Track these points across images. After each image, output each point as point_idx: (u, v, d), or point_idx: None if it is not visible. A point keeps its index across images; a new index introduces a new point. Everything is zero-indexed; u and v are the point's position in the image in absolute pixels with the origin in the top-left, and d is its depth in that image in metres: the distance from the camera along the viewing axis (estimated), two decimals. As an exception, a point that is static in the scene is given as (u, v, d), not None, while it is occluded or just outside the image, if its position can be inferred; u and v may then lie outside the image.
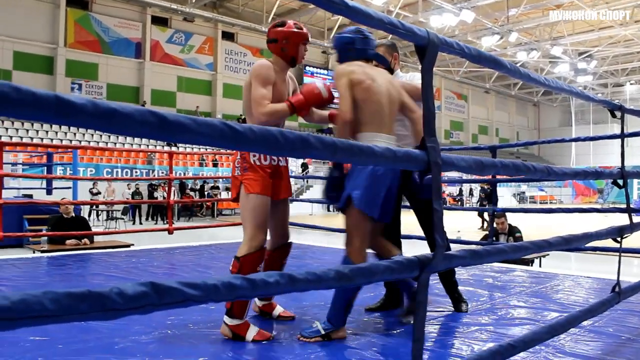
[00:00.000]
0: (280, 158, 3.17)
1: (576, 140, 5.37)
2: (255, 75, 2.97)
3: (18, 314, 0.78)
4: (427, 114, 1.51)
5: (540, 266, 6.81)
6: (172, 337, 2.87)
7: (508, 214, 7.11)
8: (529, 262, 6.72)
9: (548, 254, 6.77)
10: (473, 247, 5.21)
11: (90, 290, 0.84)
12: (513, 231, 7.30)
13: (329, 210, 26.91)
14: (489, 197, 18.03)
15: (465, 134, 47.52)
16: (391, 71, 3.46)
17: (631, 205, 3.08)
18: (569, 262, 8.90)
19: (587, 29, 32.09)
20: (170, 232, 6.80)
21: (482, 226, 16.02)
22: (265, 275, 1.07)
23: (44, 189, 12.43)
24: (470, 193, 35.79)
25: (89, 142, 24.05)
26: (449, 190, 34.92)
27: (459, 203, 33.71)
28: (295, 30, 3.10)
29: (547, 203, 39.61)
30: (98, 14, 27.25)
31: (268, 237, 3.11)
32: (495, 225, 6.69)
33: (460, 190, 34.82)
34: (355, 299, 2.91)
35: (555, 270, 5.38)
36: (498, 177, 5.99)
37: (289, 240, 3.34)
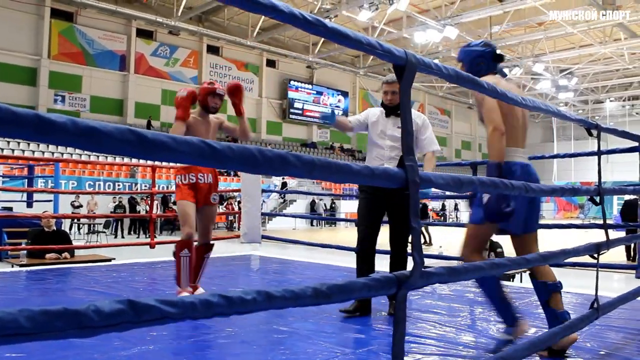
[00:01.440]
0: (200, 177, 4.09)
1: (556, 157, 5.44)
2: None
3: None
4: (404, 133, 1.53)
5: (521, 281, 6.87)
6: (152, 352, 2.85)
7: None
8: (510, 277, 6.77)
9: (527, 270, 6.82)
10: (453, 263, 5.25)
11: (66, 308, 0.84)
12: (494, 246, 7.34)
13: (312, 224, 26.93)
14: (423, 212, 18.19)
15: (449, 150, 47.87)
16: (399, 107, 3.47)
17: (611, 221, 3.12)
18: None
19: (568, 47, 32.60)
20: (152, 246, 6.76)
21: (425, 241, 15.95)
22: (242, 293, 1.08)
23: (24, 201, 12.29)
24: (455, 208, 36.03)
25: (72, 154, 23.84)
26: (432, 205, 35.11)
27: (442, 218, 33.89)
28: (206, 86, 4.20)
29: (529, 218, 39.83)
30: (83, 25, 27.15)
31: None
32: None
33: (443, 205, 35.01)
34: (502, 291, 2.88)
35: (536, 286, 5.41)
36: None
37: (210, 242, 4.33)
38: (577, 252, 2.55)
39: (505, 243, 6.85)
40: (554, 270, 2.93)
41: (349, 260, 7.25)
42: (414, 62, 1.55)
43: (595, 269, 2.99)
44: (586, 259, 3.27)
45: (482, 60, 2.97)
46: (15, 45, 25.05)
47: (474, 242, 2.91)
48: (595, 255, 2.87)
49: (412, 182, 1.48)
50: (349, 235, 21.19)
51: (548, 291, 2.79)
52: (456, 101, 46.46)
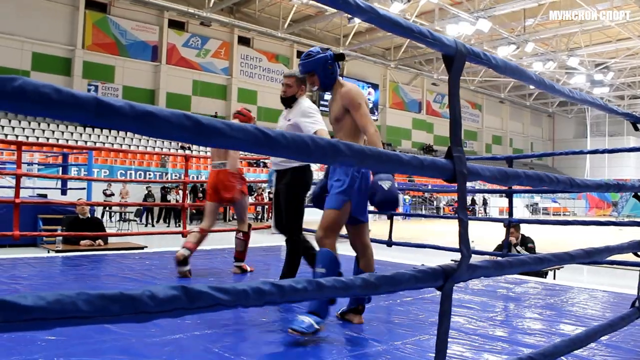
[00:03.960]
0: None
1: (594, 152, 5.32)
2: None
3: (53, 314, 0.79)
4: (453, 123, 1.50)
5: (554, 278, 6.75)
6: (186, 340, 2.87)
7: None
8: (543, 274, 6.66)
9: (563, 267, 6.72)
10: (486, 258, 5.18)
11: (122, 292, 0.84)
12: (526, 241, 7.24)
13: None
14: None
15: (479, 144, 47.36)
16: (294, 99, 4.00)
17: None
18: (582, 275, 8.82)
19: (604, 40, 31.91)
20: (184, 235, 6.82)
21: None
22: (293, 282, 1.07)
23: (58, 189, 12.52)
24: (484, 202, 35.65)
25: (104, 143, 24.22)
26: (446, 199, 34.79)
27: (472, 213, 33.52)
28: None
29: (560, 215, 39.33)
30: (116, 16, 27.49)
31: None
32: (509, 235, 6.64)
33: (473, 200, 34.66)
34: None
35: (570, 283, 5.33)
36: (513, 187, 5.95)
37: None
38: (621, 249, 2.49)
39: (537, 237, 6.75)
40: (587, 268, 2.87)
41: (378, 253, 7.24)
42: (463, 52, 1.51)
43: (638, 267, 2.92)
44: (625, 257, 3.19)
45: (331, 62, 3.25)
46: (51, 36, 25.49)
47: (333, 226, 3.14)
48: (639, 253, 2.80)
49: (459, 174, 1.45)
50: (377, 228, 21.16)
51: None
52: (487, 95, 45.86)
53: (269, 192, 22.27)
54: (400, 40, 33.52)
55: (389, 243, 5.99)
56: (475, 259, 1.58)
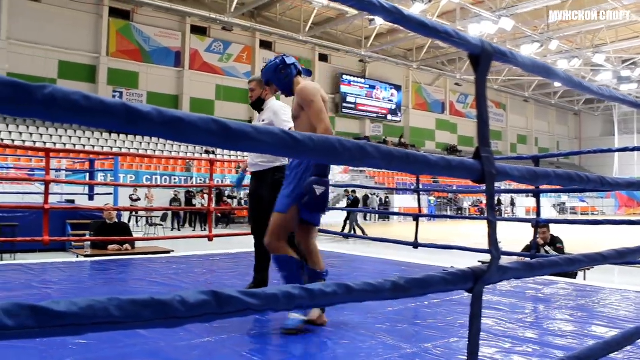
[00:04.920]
0: None
1: (624, 150, 5.22)
2: None
3: (86, 320, 0.79)
4: (481, 123, 1.48)
5: (584, 279, 6.64)
6: (214, 344, 2.88)
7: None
8: (573, 275, 6.55)
9: (593, 267, 6.60)
10: (513, 259, 5.12)
11: (153, 298, 0.84)
12: (555, 241, 7.13)
13: (365, 219, 26.87)
14: (355, 203, 18.25)
15: (504, 144, 46.88)
16: (262, 101, 4.10)
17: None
18: (613, 275, 8.66)
19: (631, 36, 31.37)
20: (210, 239, 6.86)
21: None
22: (323, 286, 1.07)
23: (86, 194, 12.72)
24: (512, 203, 35.27)
25: (129, 149, 24.51)
26: (470, 200, 34.46)
27: (498, 213, 33.15)
28: None
29: (588, 214, 38.73)
30: (139, 23, 27.84)
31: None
32: (537, 236, 6.55)
33: (499, 201, 34.30)
34: (301, 275, 3.18)
35: (601, 284, 5.23)
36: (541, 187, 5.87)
37: None
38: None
39: (565, 238, 6.65)
40: (619, 268, 2.81)
41: (404, 255, 7.21)
42: (490, 51, 1.49)
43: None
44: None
45: (282, 67, 3.38)
46: (76, 44, 25.91)
47: (282, 230, 3.16)
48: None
49: (488, 174, 1.43)
50: (403, 229, 21.04)
51: (318, 276, 3.16)
52: (512, 94, 45.37)
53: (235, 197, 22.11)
54: (422, 41, 33.37)
55: (415, 245, 5.94)
56: (504, 260, 1.56)
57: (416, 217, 6.20)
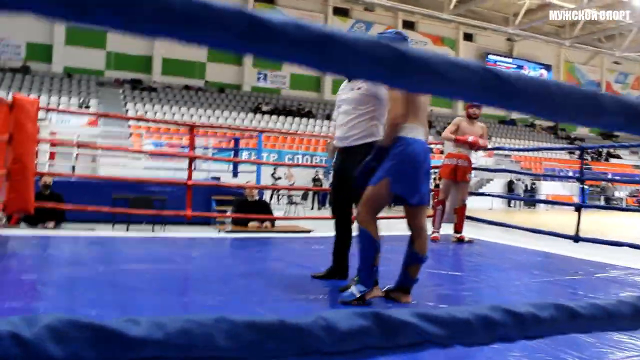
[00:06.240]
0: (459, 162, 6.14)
1: None
2: None
3: (175, 351, 0.49)
4: None
5: None
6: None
7: None
8: None
9: None
10: None
11: (282, 320, 0.53)
12: None
13: (509, 205, 25.51)
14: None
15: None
16: None
17: None
18: None
19: None
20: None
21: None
22: (536, 309, 0.69)
23: (230, 172, 13.11)
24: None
25: (272, 129, 25.20)
26: (626, 190, 31.25)
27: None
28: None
29: None
30: (283, 6, 28.36)
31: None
32: None
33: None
34: (378, 260, 3.15)
35: None
36: None
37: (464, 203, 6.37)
38: None
39: None
40: None
41: (551, 245, 6.51)
42: None
43: None
44: None
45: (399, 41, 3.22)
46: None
47: (369, 202, 3.16)
48: None
49: None
50: (550, 218, 19.58)
51: (417, 260, 3.26)
52: (681, 72, 40.75)
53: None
54: (577, 16, 30.75)
55: (576, 238, 5.27)
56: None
57: (578, 207, 5.50)
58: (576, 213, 5.59)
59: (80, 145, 10.47)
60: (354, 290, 3.09)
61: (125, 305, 2.82)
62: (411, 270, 3.27)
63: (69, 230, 6.83)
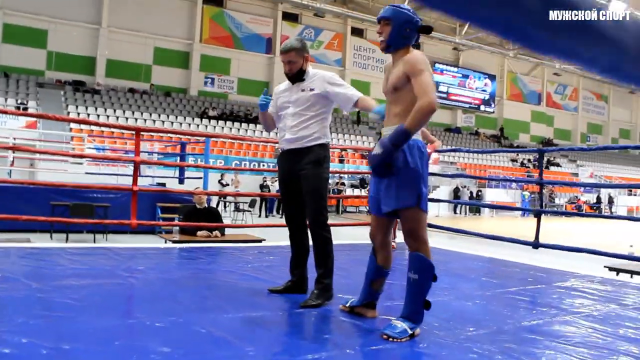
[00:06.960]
0: None
1: None
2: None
3: None
4: None
5: None
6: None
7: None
8: None
9: None
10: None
11: None
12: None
13: (455, 212, 25.86)
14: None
15: (604, 138, 44.03)
16: (303, 72, 3.48)
17: None
18: None
19: None
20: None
21: None
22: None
23: (176, 178, 12.70)
24: (610, 201, 32.92)
25: (219, 134, 24.73)
26: (585, 197, 32.38)
27: (597, 212, 31.03)
28: None
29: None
30: (232, 10, 28.08)
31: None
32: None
33: (599, 198, 32.13)
34: (378, 278, 3.09)
35: None
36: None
37: None
38: None
39: None
40: None
41: (499, 252, 6.48)
42: None
43: None
44: None
45: (410, 26, 2.84)
46: (171, 31, 26.53)
47: (424, 224, 2.89)
48: None
49: None
50: (496, 224, 19.94)
51: (381, 274, 3.09)
52: (615, 85, 42.43)
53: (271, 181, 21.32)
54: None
55: (536, 245, 5.21)
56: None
57: (538, 213, 5.44)
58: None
59: (17, 148, 9.85)
60: (406, 326, 2.71)
61: (60, 331, 2.49)
62: (375, 284, 3.09)
63: None
